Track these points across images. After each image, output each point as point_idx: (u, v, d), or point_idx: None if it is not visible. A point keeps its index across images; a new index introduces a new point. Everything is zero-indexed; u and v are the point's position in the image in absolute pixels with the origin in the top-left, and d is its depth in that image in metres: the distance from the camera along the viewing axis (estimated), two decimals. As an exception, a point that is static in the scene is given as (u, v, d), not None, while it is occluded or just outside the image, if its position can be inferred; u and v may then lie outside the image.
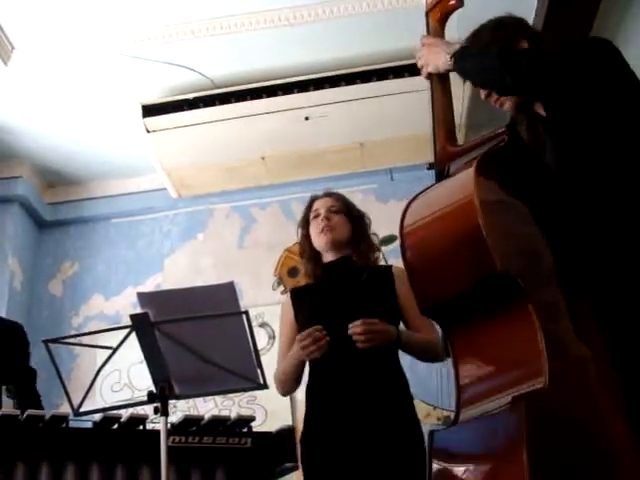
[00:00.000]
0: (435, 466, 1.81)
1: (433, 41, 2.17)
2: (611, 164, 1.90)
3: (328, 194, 2.89)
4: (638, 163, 1.89)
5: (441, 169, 2.04)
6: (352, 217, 2.82)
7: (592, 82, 1.90)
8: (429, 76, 2.17)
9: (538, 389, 1.65)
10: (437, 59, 2.11)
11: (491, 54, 1.97)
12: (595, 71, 1.90)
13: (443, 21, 2.22)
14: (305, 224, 2.85)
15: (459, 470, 1.76)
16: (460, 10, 2.20)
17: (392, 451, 2.46)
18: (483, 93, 2.15)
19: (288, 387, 2.72)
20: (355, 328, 2.49)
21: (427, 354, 2.66)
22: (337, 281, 2.72)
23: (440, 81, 2.15)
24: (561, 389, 1.65)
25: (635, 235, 1.83)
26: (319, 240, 2.75)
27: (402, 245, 1.95)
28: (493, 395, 1.75)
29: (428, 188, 2.02)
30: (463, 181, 1.86)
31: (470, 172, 1.83)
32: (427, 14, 2.24)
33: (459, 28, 2.25)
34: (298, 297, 2.80)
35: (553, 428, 1.62)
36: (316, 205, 2.83)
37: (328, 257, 2.77)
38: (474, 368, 1.85)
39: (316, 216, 2.79)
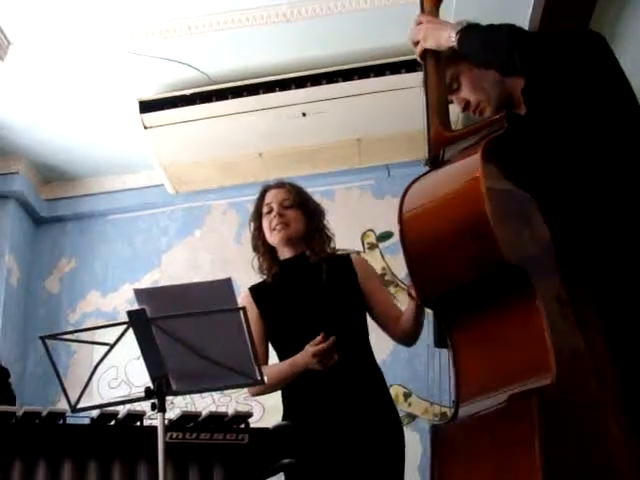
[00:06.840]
0: (438, 461, 1.77)
1: (434, 19, 2.12)
2: (597, 157, 1.86)
3: (280, 185, 2.80)
4: (627, 155, 1.86)
5: (435, 154, 1.98)
6: (306, 210, 2.74)
7: (577, 74, 1.87)
8: (424, 55, 2.12)
9: (548, 385, 1.61)
10: (439, 35, 2.05)
11: (501, 31, 1.92)
12: (579, 63, 1.88)
13: (437, 2, 2.15)
14: (257, 217, 2.77)
15: (464, 465, 1.72)
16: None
17: (370, 443, 2.48)
18: (461, 105, 2.12)
19: (266, 393, 2.73)
20: None
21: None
22: (297, 280, 2.68)
23: (434, 62, 2.10)
24: (566, 384, 1.62)
25: (631, 228, 1.81)
26: (273, 237, 2.70)
27: (401, 232, 1.90)
28: (497, 390, 1.70)
29: (426, 174, 1.96)
30: (468, 167, 1.81)
31: (476, 158, 1.77)
32: None
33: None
34: (259, 295, 2.75)
35: (561, 423, 1.59)
36: (268, 198, 2.75)
37: (284, 253, 2.73)
38: (476, 361, 1.80)
39: (269, 211, 2.72)
